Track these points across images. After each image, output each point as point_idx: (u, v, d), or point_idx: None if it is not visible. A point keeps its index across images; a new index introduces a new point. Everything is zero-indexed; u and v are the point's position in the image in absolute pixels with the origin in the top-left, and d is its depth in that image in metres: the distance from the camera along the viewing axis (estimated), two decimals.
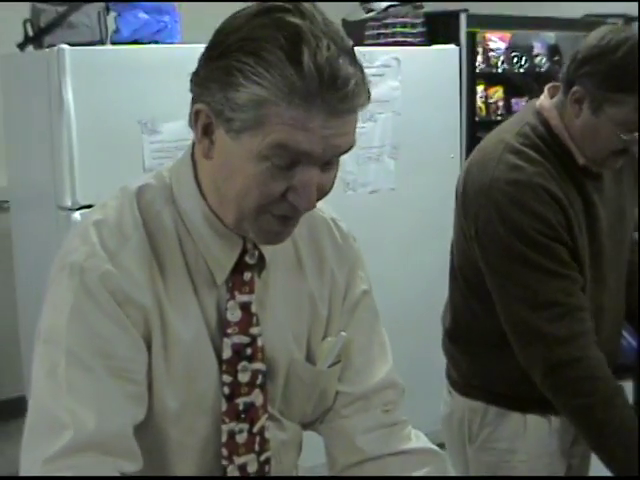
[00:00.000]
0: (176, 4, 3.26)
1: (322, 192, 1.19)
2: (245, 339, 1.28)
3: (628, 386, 2.32)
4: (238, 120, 1.11)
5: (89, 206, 2.58)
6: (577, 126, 1.85)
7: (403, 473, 1.34)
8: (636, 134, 1.78)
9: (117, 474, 1.13)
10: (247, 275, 1.29)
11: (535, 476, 2.02)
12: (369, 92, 1.14)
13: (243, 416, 1.29)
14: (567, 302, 1.82)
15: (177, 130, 2.96)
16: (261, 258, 1.30)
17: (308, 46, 1.06)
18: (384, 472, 1.36)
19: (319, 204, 1.43)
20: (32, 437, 1.15)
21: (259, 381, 1.30)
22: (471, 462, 2.09)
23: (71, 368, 1.15)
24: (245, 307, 1.28)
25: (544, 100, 1.93)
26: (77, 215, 2.91)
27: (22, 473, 1.13)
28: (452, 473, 1.73)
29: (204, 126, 1.17)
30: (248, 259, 1.28)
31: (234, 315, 1.27)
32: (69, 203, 2.95)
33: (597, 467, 2.08)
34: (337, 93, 1.08)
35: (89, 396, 1.14)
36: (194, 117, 1.18)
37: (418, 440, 1.40)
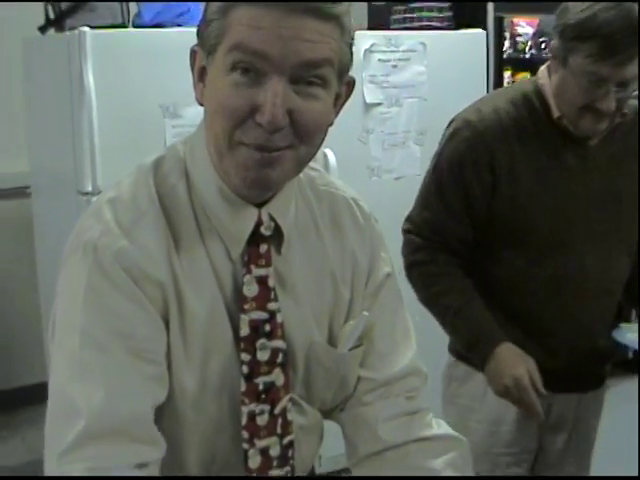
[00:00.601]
0: None
1: (305, 124, 1.13)
2: (263, 315, 1.23)
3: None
4: (210, 36, 1.14)
5: None
6: (554, 80, 1.91)
7: (425, 460, 1.31)
8: (599, 89, 1.80)
9: (136, 462, 1.08)
10: (263, 247, 1.24)
11: (537, 476, 2.07)
12: (347, 11, 1.13)
13: (263, 397, 1.24)
14: (427, 234, 2.02)
15: (199, 114, 2.94)
16: (278, 231, 1.25)
17: None
18: (405, 460, 1.32)
19: (339, 183, 1.40)
20: (51, 425, 1.12)
21: (279, 360, 1.25)
22: (443, 415, 2.11)
23: (86, 350, 1.12)
24: (262, 281, 1.23)
25: (543, 66, 2.00)
26: None
27: (45, 467, 1.09)
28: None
29: (199, 70, 1.19)
30: (264, 230, 1.23)
31: (251, 290, 1.22)
32: (90, 188, 2.92)
33: (597, 467, 2.08)
34: None
35: (104, 379, 1.10)
36: (191, 59, 1.21)
37: (439, 427, 1.37)
